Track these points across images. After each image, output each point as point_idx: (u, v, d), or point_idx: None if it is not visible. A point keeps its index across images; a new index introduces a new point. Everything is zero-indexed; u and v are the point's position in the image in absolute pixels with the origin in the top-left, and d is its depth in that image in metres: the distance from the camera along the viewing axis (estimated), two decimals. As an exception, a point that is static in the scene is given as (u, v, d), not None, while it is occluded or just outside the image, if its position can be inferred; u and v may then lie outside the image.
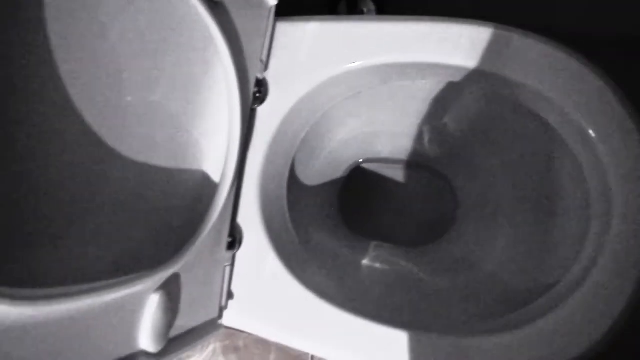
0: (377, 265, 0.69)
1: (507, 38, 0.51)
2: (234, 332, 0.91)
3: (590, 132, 0.47)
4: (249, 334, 0.91)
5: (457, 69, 0.53)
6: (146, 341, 0.40)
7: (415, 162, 0.75)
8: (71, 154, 0.42)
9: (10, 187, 0.37)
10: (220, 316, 0.52)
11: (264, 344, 0.91)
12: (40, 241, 0.38)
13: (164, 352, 0.42)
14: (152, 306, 0.41)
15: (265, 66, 0.54)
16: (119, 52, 0.43)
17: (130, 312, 0.39)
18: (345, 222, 0.76)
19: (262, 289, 0.54)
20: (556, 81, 0.49)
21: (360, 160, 0.76)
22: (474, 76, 0.53)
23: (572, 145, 0.51)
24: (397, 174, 0.79)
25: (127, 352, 0.39)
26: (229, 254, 0.52)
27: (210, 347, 0.93)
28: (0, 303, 0.28)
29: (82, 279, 0.37)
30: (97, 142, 0.44)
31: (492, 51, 0.51)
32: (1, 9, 0.35)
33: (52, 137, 0.40)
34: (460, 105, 0.65)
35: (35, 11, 0.37)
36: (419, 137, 0.71)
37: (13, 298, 0.29)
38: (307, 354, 0.89)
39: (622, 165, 0.46)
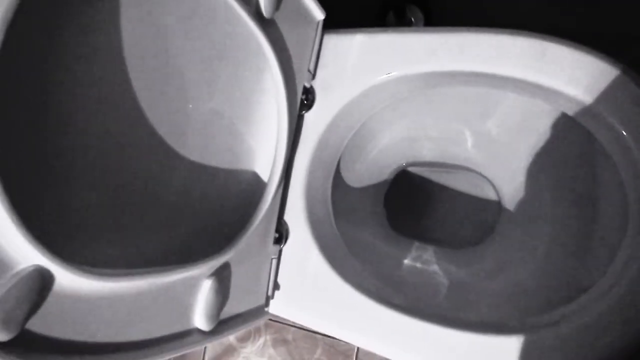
0: (418, 265, 0.71)
1: (545, 47, 0.52)
2: (283, 326, 0.97)
3: (624, 132, 0.47)
4: (298, 329, 0.96)
5: (500, 77, 0.54)
6: (199, 320, 0.46)
7: (459, 166, 0.76)
8: (143, 156, 0.48)
9: (95, 187, 0.44)
10: (267, 304, 0.57)
11: (311, 339, 0.95)
12: (121, 229, 0.44)
13: (214, 331, 0.47)
14: (205, 289, 0.46)
15: (313, 75, 0.59)
16: (182, 66, 0.49)
17: (186, 293, 0.45)
18: (390, 223, 0.79)
19: (305, 282, 0.58)
20: (595, 89, 0.50)
21: (404, 164, 0.79)
22: (517, 84, 0.55)
23: (610, 151, 0.51)
24: (442, 177, 0.80)
25: (183, 328, 0.45)
26: (276, 248, 0.56)
27: (262, 339, 0.99)
28: (90, 278, 0.34)
29: (150, 263, 0.43)
30: (165, 145, 0.50)
31: (532, 60, 0.52)
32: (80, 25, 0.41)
33: (129, 142, 0.46)
34: (502, 111, 0.66)
35: (110, 30, 0.43)
36: (463, 142, 0.72)
37: (99, 274, 0.35)
38: (353, 349, 0.92)
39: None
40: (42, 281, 0.33)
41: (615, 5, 0.75)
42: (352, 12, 0.89)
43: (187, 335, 0.45)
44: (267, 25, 0.48)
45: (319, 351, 0.95)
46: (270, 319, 0.98)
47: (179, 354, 0.43)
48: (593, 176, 0.60)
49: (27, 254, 0.31)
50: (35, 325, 0.33)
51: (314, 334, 0.95)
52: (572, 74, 0.50)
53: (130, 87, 0.46)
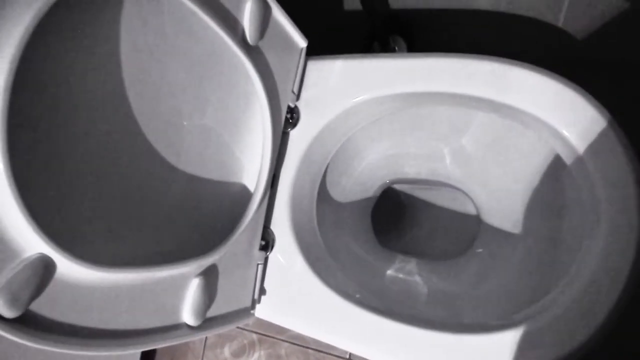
0: (401, 275, 0.75)
1: (506, 70, 0.57)
2: (276, 341, 0.99)
3: (578, 148, 0.52)
4: (290, 344, 0.99)
5: (467, 97, 0.59)
6: (187, 315, 0.50)
7: (441, 183, 0.81)
8: (144, 165, 0.53)
9: (99, 190, 0.49)
10: (252, 307, 0.60)
11: (303, 354, 0.98)
12: (120, 228, 0.49)
13: (201, 327, 0.51)
14: (193, 287, 0.50)
15: (297, 96, 0.64)
16: (177, 87, 0.55)
17: (176, 290, 0.49)
18: (377, 237, 0.83)
19: (290, 288, 0.62)
20: (552, 108, 0.55)
21: (388, 181, 0.83)
22: (484, 104, 0.60)
23: (569, 166, 0.56)
24: (426, 194, 0.85)
25: (172, 321, 0.49)
26: (262, 254, 0.61)
27: (256, 355, 1.01)
28: (88, 268, 0.39)
29: (144, 260, 0.47)
30: (163, 157, 0.55)
31: (496, 81, 0.57)
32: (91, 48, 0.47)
33: (131, 152, 0.52)
34: (475, 129, 0.71)
35: (112, 58, 0.49)
36: (442, 159, 0.77)
37: (96, 265, 0.40)
38: (343, 364, 0.95)
39: (610, 183, 0.51)
40: (45, 268, 0.37)
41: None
42: (341, 42, 0.96)
43: (175, 328, 0.49)
44: (252, 51, 0.54)
45: (310, 365, 0.97)
46: (264, 334, 1.01)
47: (166, 345, 0.47)
48: (560, 190, 0.64)
49: (33, 243, 0.36)
50: (37, 307, 0.38)
51: (306, 349, 0.97)
52: (531, 94, 0.55)
53: (132, 106, 0.51)
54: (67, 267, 0.39)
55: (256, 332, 1.01)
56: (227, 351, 1.02)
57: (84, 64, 0.45)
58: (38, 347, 0.37)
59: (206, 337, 1.04)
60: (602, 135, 0.52)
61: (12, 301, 0.35)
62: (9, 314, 0.35)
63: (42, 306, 0.38)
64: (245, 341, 1.01)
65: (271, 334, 1.00)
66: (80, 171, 0.46)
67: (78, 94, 0.45)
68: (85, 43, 0.44)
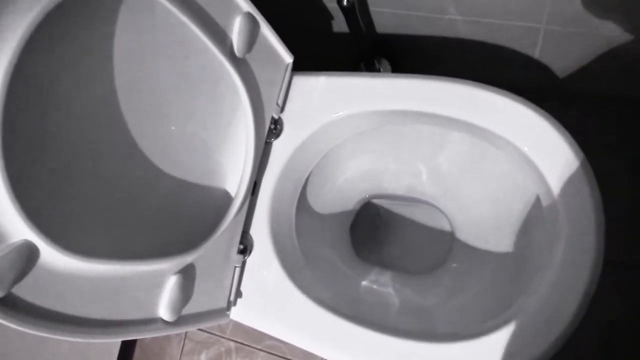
0: (375, 286, 0.77)
1: (480, 93, 0.61)
2: (253, 350, 1.01)
3: (539, 166, 0.56)
4: (267, 353, 1.00)
5: (441, 117, 0.63)
6: (164, 311, 0.52)
7: (418, 199, 0.84)
8: (132, 166, 0.56)
9: (88, 185, 0.51)
10: (228, 308, 0.62)
11: (280, 364, 0.99)
12: (106, 223, 0.51)
13: (176, 323, 0.53)
14: (171, 284, 0.52)
15: (282, 108, 0.67)
16: (167, 94, 0.58)
17: (154, 285, 0.51)
18: (354, 248, 0.86)
19: (266, 292, 0.64)
20: (518, 130, 0.58)
21: (368, 196, 0.86)
22: (457, 124, 0.63)
23: (535, 183, 0.59)
24: (403, 209, 0.88)
25: (148, 315, 0.51)
26: (239, 258, 0.63)
27: (232, 364, 1.02)
28: (70, 257, 0.41)
29: (126, 255, 0.49)
30: (150, 159, 0.58)
31: (466, 102, 0.61)
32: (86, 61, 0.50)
33: (119, 152, 0.54)
34: (450, 148, 0.75)
35: (105, 63, 0.52)
36: (419, 176, 0.81)
37: (77, 254, 0.42)
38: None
39: (570, 204, 0.55)
40: (30, 254, 0.40)
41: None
42: (329, 62, 1.00)
43: (151, 322, 0.51)
44: (239, 63, 0.57)
45: (286, 375, 0.98)
46: (241, 343, 1.02)
47: (141, 337, 0.49)
48: (526, 209, 0.68)
49: (19, 229, 0.39)
50: (19, 291, 0.40)
51: (281, 359, 0.99)
52: (501, 117, 0.59)
53: (122, 109, 0.54)
54: (50, 255, 0.41)
55: (233, 341, 1.02)
56: (203, 358, 1.03)
57: (78, 68, 0.47)
58: (17, 329, 0.39)
59: (183, 344, 1.05)
60: (566, 160, 0.56)
61: (-4, 283, 0.37)
62: (-8, 295, 0.37)
63: (23, 290, 0.40)
64: (222, 349, 1.02)
65: (248, 342, 1.01)
66: (72, 167, 0.48)
67: (72, 95, 0.48)
68: (80, 49, 0.47)
